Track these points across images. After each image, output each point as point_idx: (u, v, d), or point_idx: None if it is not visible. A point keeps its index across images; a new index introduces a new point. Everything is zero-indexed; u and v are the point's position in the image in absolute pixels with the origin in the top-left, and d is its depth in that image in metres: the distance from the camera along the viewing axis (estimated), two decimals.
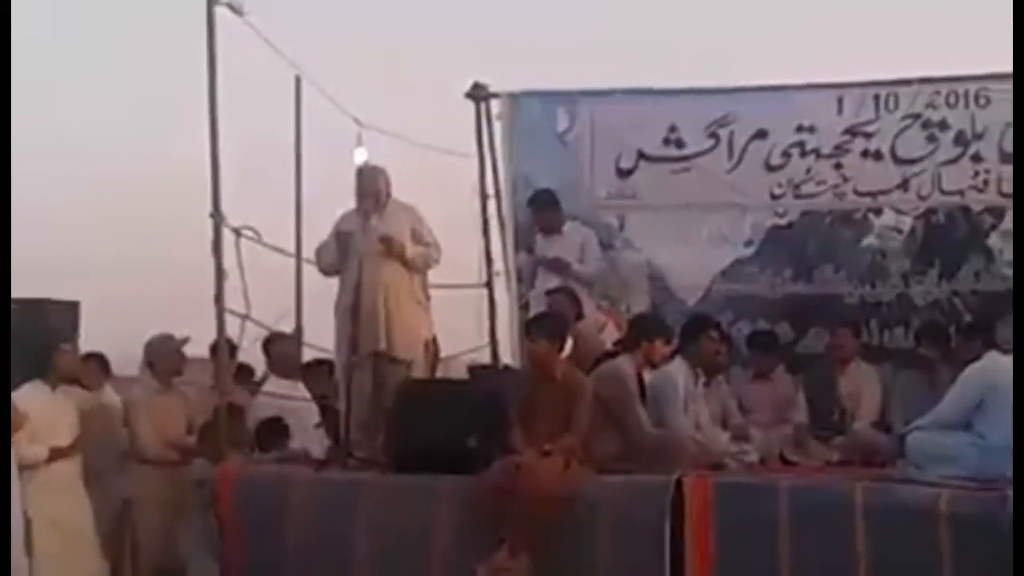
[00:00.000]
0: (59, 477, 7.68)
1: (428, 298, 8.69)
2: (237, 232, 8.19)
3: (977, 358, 7.26)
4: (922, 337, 8.74)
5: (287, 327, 9.76)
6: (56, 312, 9.51)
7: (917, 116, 9.26)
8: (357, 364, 8.21)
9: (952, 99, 9.18)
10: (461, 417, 7.45)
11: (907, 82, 9.34)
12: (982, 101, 9.11)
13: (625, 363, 7.89)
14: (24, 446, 7.38)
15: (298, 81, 9.93)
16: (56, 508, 7.55)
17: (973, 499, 6.43)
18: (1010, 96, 8.70)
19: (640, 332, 8.11)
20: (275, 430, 8.41)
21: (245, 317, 8.28)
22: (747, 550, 6.68)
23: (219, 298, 8.04)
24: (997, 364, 7.17)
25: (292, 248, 9.93)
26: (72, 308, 9.83)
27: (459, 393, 7.99)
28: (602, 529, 6.93)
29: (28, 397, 7.59)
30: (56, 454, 7.60)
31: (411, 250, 8.41)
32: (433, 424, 7.43)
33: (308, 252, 9.32)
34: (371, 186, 8.50)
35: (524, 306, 9.93)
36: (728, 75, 9.95)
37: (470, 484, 7.14)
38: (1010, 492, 6.19)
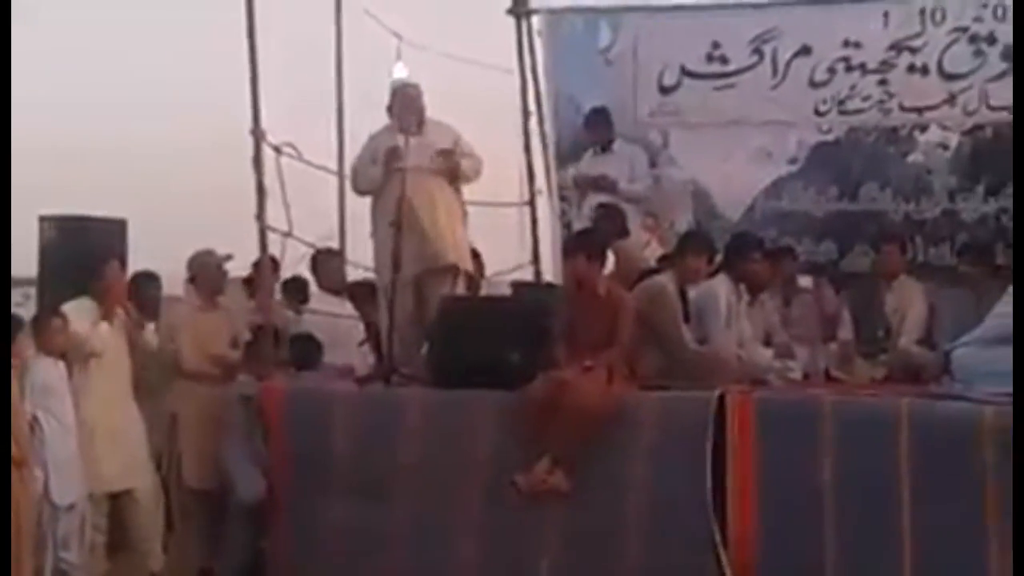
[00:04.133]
0: (109, 390, 7.79)
1: (465, 212, 8.68)
2: (277, 149, 8.20)
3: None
4: (967, 254, 8.66)
5: (332, 246, 9.80)
6: (102, 230, 9.50)
7: (964, 30, 9.14)
8: (400, 281, 8.18)
9: (999, 12, 9.04)
10: (504, 333, 7.45)
11: None
12: None
13: (667, 280, 7.90)
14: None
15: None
16: (111, 419, 7.69)
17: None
18: None
19: (683, 249, 8.11)
20: (308, 347, 8.45)
21: (287, 235, 8.30)
22: (790, 465, 6.67)
23: (261, 215, 8.06)
24: None
25: (333, 166, 9.87)
26: (119, 226, 9.83)
27: (502, 309, 8.04)
28: (643, 444, 6.94)
29: (73, 313, 7.64)
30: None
31: (463, 161, 8.36)
32: (476, 340, 7.44)
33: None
34: (412, 104, 8.42)
35: (567, 224, 9.94)
36: None
37: (512, 398, 7.16)
38: None
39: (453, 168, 8.35)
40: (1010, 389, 6.55)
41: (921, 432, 6.48)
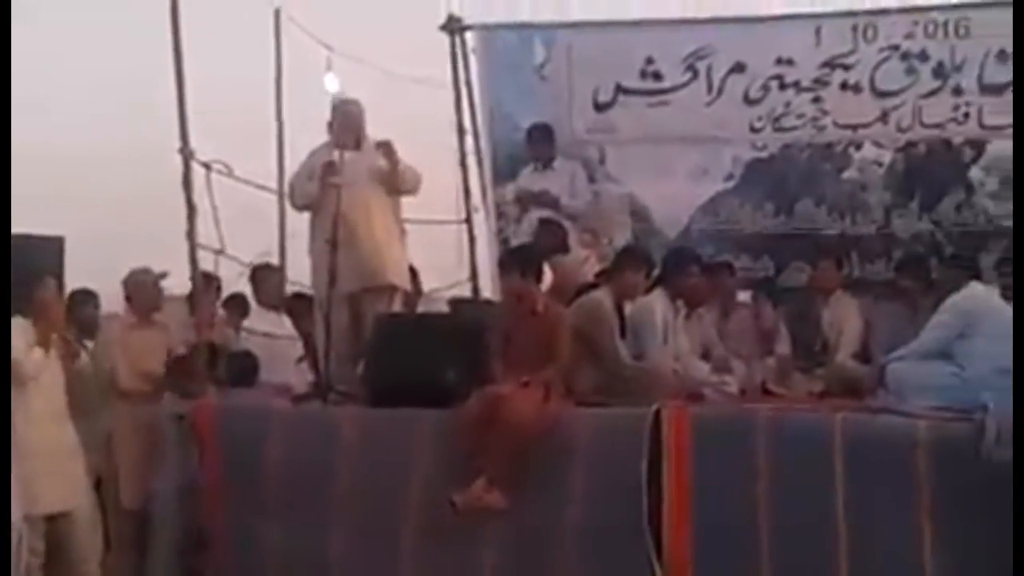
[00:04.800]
0: (44, 411, 7.58)
1: (403, 231, 8.65)
2: (207, 166, 8.14)
3: (958, 289, 7.26)
4: (903, 269, 8.71)
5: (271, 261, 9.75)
6: (39, 247, 9.41)
7: (896, 47, 9.16)
8: (336, 297, 8.14)
9: (931, 29, 9.06)
10: (440, 351, 7.39)
11: (885, 12, 9.25)
12: (961, 31, 9.00)
13: (604, 295, 7.90)
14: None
15: (277, 14, 9.83)
16: (47, 440, 7.51)
17: (950, 428, 6.43)
18: (990, 27, 8.75)
19: (621, 264, 8.12)
20: (244, 364, 8.40)
21: (219, 252, 8.26)
22: (725, 480, 6.66)
23: (191, 233, 7.99)
24: (977, 294, 7.21)
25: (268, 183, 9.82)
26: (57, 243, 9.73)
27: (437, 327, 7.95)
28: (579, 461, 6.91)
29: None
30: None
31: (403, 166, 8.32)
32: (411, 358, 7.39)
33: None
34: (351, 121, 8.39)
35: (505, 240, 9.92)
36: (705, 6, 9.76)
37: (448, 416, 7.11)
38: (988, 421, 6.19)
39: (393, 177, 8.29)
40: (942, 403, 6.66)
41: (856, 446, 6.50)
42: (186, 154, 7.97)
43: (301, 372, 8.74)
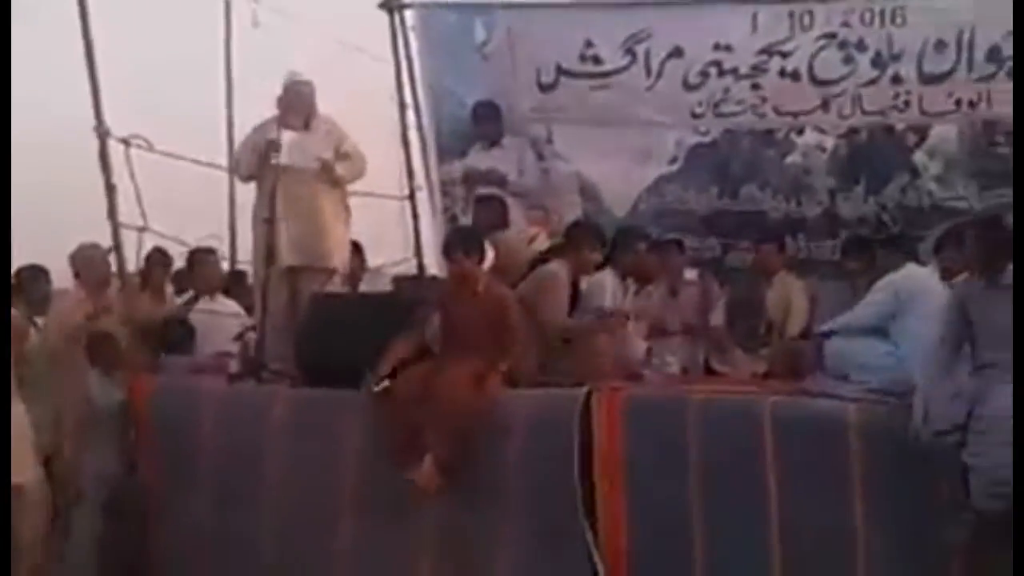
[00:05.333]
0: None
1: (348, 212, 8.65)
2: (126, 142, 8.08)
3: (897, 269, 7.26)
4: (847, 250, 8.69)
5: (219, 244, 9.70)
6: None
7: (833, 36, 8.99)
8: (274, 274, 8.15)
9: (867, 18, 8.89)
10: (376, 331, 7.26)
11: None
12: (899, 20, 8.83)
13: (559, 267, 7.85)
14: None
15: None
16: None
17: (880, 410, 6.46)
18: (927, 15, 8.67)
19: (577, 240, 8.05)
20: (180, 332, 8.39)
21: (142, 230, 8.22)
22: (656, 462, 6.65)
23: (112, 213, 7.97)
24: (913, 273, 7.19)
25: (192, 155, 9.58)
26: None
27: (374, 305, 7.88)
28: (513, 442, 6.88)
29: None
30: None
31: (340, 167, 8.37)
32: (345, 337, 7.32)
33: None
34: (301, 103, 8.40)
35: (452, 219, 9.86)
36: None
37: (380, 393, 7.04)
38: (916, 401, 6.19)
39: (330, 172, 8.37)
40: (878, 381, 6.67)
41: (786, 428, 6.49)
42: (101, 132, 7.92)
43: (243, 346, 8.65)
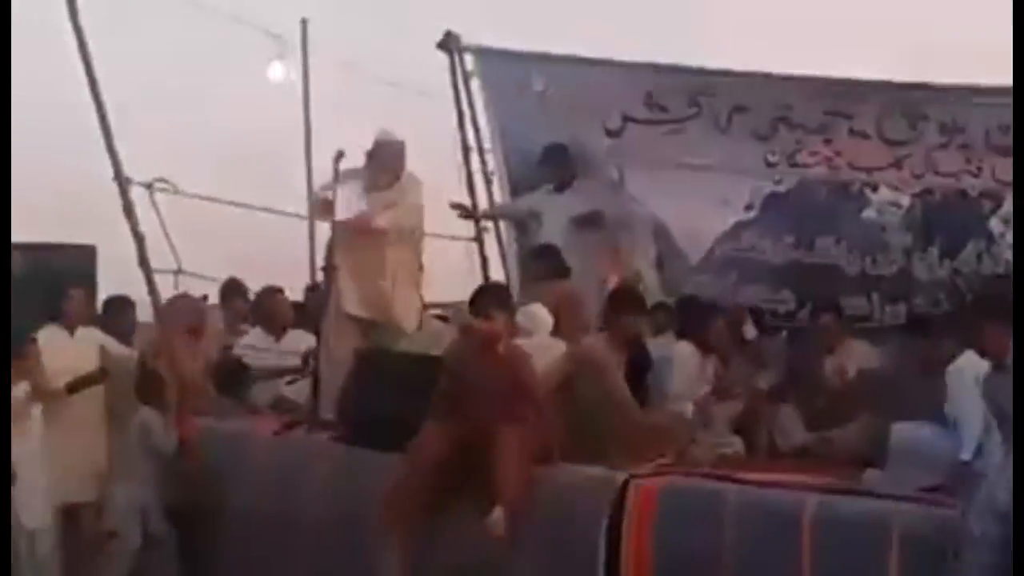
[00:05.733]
0: (81, 417, 7.95)
1: (421, 269, 8.55)
2: (149, 187, 8.08)
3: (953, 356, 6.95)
4: (910, 328, 8.40)
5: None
6: (71, 256, 9.48)
7: (897, 102, 8.88)
8: (340, 320, 8.11)
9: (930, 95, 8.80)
10: (420, 388, 7.04)
11: (879, 84, 8.93)
12: (962, 102, 8.72)
13: (597, 341, 7.62)
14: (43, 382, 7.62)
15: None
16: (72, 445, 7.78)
17: (928, 515, 6.18)
18: (986, 107, 8.50)
19: (617, 307, 7.80)
20: (235, 375, 8.41)
21: (177, 272, 8.31)
22: (686, 565, 6.43)
23: (143, 261, 7.99)
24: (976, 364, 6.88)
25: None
26: (89, 252, 9.75)
27: (417, 364, 7.66)
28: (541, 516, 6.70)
29: (45, 340, 7.83)
30: (74, 385, 7.90)
31: (381, 219, 8.18)
32: (387, 394, 7.25)
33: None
34: (393, 162, 8.26)
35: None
36: (700, 49, 9.64)
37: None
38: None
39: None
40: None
41: (826, 531, 6.22)
42: (121, 181, 7.92)
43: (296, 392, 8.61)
